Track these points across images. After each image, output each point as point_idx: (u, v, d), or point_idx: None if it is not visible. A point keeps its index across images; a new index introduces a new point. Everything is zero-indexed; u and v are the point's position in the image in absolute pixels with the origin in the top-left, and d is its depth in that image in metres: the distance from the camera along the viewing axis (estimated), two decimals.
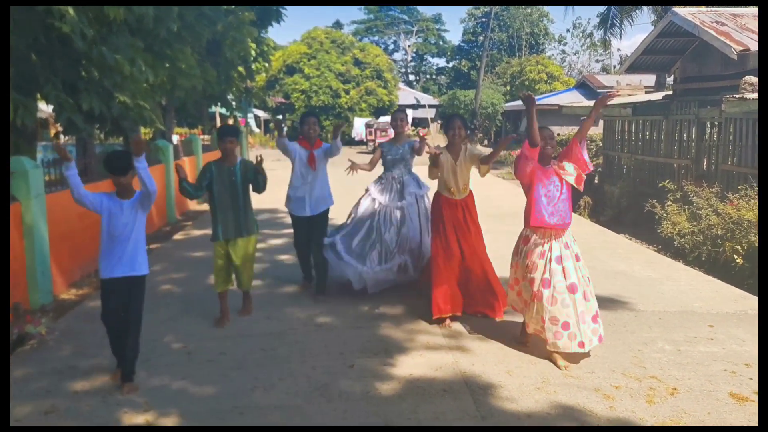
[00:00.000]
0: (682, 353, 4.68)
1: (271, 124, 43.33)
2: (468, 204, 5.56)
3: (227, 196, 5.34)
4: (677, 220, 8.66)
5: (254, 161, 5.41)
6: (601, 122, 16.04)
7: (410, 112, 35.86)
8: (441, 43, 63.57)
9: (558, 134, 18.30)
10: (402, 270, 6.13)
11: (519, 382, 4.20)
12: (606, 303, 5.88)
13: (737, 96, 8.62)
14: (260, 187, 5.45)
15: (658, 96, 13.97)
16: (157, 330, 5.24)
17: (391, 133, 6.63)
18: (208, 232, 9.61)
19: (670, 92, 13.46)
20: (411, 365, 4.46)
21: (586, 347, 4.40)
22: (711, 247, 8.00)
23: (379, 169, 6.51)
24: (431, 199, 5.85)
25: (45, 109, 10.98)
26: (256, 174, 5.38)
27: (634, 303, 5.91)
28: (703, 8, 11.54)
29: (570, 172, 4.58)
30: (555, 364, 4.46)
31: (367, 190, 6.46)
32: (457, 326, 5.28)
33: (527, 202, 4.70)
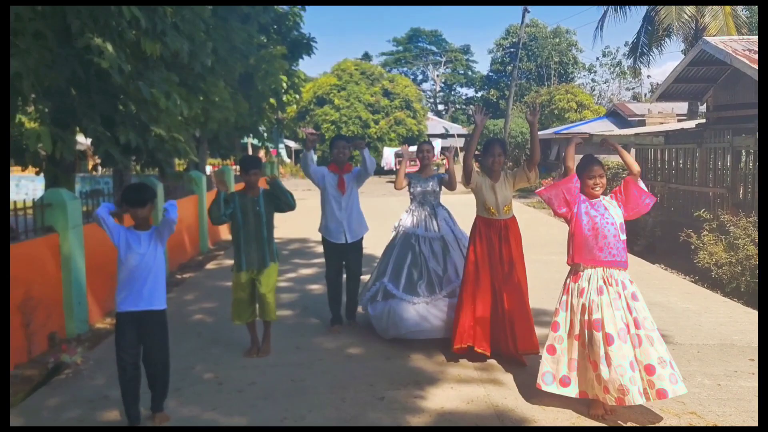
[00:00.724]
0: (722, 388, 4.54)
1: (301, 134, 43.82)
2: (510, 225, 5.17)
3: (251, 227, 5.30)
4: (714, 251, 8.46)
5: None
6: (633, 150, 15.87)
7: (439, 142, 35.98)
8: (469, 73, 63.95)
9: None
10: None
11: (553, 417, 4.10)
12: None
13: None
14: (288, 202, 5.33)
15: (691, 124, 13.82)
16: (188, 359, 5.27)
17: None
18: None
19: (703, 120, 13.29)
20: (442, 398, 4.40)
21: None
22: (750, 278, 7.78)
23: (405, 200, 6.41)
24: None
25: (83, 141, 11.31)
26: (276, 193, 5.31)
27: (672, 336, 5.76)
28: (736, 36, 11.41)
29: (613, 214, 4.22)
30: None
31: (397, 225, 6.21)
32: (492, 359, 5.19)
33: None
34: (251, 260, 5.31)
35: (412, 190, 6.21)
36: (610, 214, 4.20)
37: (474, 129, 5.22)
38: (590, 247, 4.18)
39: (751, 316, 6.47)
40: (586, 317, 4.09)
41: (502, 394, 4.45)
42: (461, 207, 7.96)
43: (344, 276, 6.44)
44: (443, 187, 6.21)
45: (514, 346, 5.01)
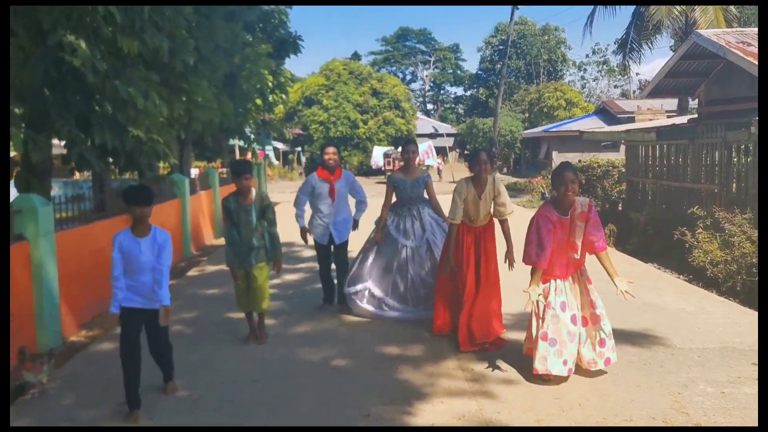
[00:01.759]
0: (726, 396, 4.31)
1: (291, 156, 43.50)
2: (486, 229, 5.56)
3: (244, 232, 5.55)
4: (709, 249, 8.26)
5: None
6: (623, 147, 15.72)
7: (429, 141, 35.76)
8: (458, 72, 63.81)
9: (579, 160, 17.99)
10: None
11: None
12: (639, 339, 5.54)
13: None
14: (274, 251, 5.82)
15: (682, 120, 13.65)
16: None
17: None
18: (223, 267, 9.43)
19: (695, 116, 13.13)
20: (432, 413, 4.15)
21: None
22: (746, 276, 7.59)
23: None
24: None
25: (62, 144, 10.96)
26: (270, 224, 5.69)
27: (669, 339, 5.55)
28: (728, 29, 11.25)
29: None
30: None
31: (382, 225, 6.40)
32: (481, 368, 4.95)
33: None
34: (242, 262, 5.61)
35: (399, 194, 6.37)
36: (574, 236, 4.61)
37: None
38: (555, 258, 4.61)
39: (750, 316, 6.26)
40: (552, 298, 4.60)
41: (495, 407, 4.20)
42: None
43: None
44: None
45: (483, 331, 5.36)
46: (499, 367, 4.94)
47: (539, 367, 4.50)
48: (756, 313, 6.37)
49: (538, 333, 4.57)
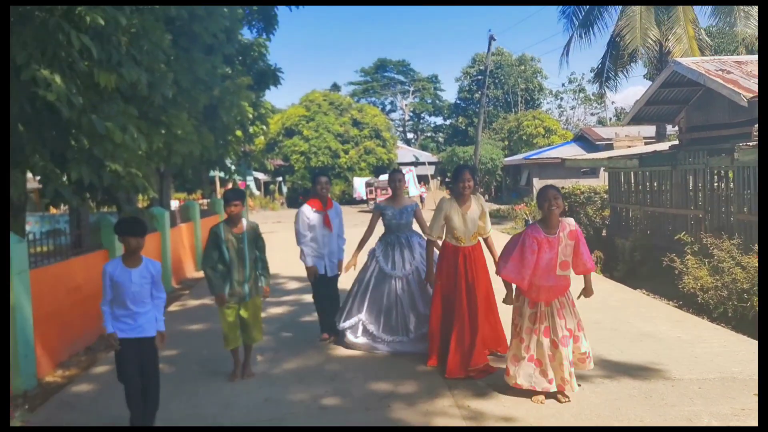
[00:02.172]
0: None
1: (272, 186, 43.29)
2: (474, 250, 5.54)
3: (236, 261, 5.43)
4: (699, 275, 8.20)
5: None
6: (602, 174, 15.78)
7: (413, 170, 35.84)
8: (437, 101, 64.39)
9: (562, 187, 18.06)
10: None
11: None
12: (638, 371, 5.40)
13: (751, 144, 8.31)
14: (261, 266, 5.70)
15: (664, 146, 13.75)
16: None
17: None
18: (206, 301, 9.16)
19: (676, 142, 13.23)
20: None
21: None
22: (737, 302, 7.53)
23: (379, 230, 6.46)
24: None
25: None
26: (260, 249, 5.62)
27: (668, 370, 5.41)
28: (706, 57, 11.37)
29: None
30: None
31: (373, 255, 6.33)
32: (479, 405, 4.75)
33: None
34: (233, 293, 5.45)
35: (386, 222, 6.33)
36: (554, 252, 4.65)
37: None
38: (540, 277, 4.70)
39: (747, 344, 6.15)
40: (536, 325, 4.71)
41: None
42: None
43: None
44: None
45: (476, 358, 5.34)
46: (496, 404, 4.75)
47: (524, 383, 4.72)
48: (752, 340, 6.27)
49: (522, 353, 4.76)
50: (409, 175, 32.25)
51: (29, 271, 6.10)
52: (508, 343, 5.11)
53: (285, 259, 10.96)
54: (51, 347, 6.48)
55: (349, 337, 6.27)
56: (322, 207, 6.46)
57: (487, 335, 5.56)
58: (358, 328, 6.21)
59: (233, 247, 5.40)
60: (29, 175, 7.56)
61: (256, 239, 5.55)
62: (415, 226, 6.44)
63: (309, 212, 6.45)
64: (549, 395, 4.79)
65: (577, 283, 4.91)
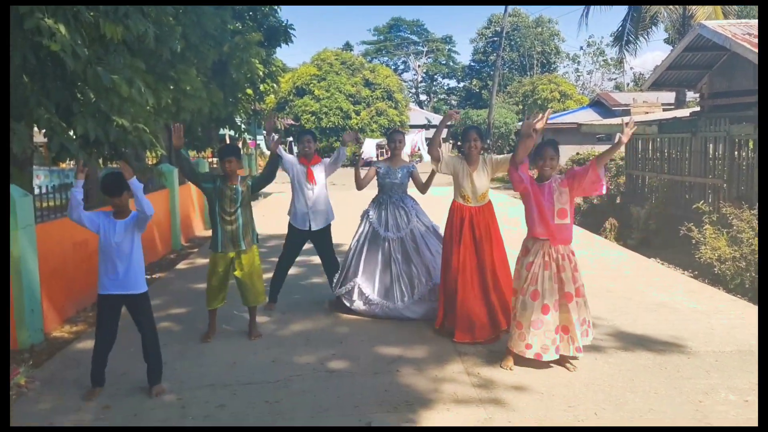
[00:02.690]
0: (750, 405, 4.04)
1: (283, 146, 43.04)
2: (484, 211, 5.40)
3: (228, 211, 5.42)
4: (717, 245, 8.01)
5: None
6: (617, 140, 15.48)
7: (423, 132, 35.45)
8: (451, 63, 63.40)
9: (577, 153, 17.74)
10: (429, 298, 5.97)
11: None
12: (652, 342, 5.27)
13: None
14: (267, 177, 5.74)
15: (684, 113, 13.41)
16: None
17: (403, 153, 6.41)
18: None
19: (696, 109, 12.89)
20: (438, 422, 3.84)
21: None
22: (755, 273, 7.35)
23: (372, 190, 6.44)
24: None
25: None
26: (254, 181, 5.63)
27: (684, 342, 5.27)
28: (732, 20, 10.98)
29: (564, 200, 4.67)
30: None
31: (365, 216, 6.28)
32: (489, 373, 4.66)
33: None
34: (226, 243, 5.44)
35: (380, 180, 6.27)
36: (553, 199, 4.61)
37: (442, 120, 5.65)
38: (536, 226, 4.66)
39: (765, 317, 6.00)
40: (528, 286, 4.60)
41: (506, 417, 3.91)
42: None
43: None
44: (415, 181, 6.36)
45: (499, 322, 5.29)
46: (508, 372, 4.65)
47: (512, 346, 4.74)
48: None
49: (514, 317, 4.74)
50: (420, 135, 31.92)
51: (35, 226, 6.03)
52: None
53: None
54: (58, 302, 6.44)
55: (345, 302, 6.18)
56: (307, 162, 6.53)
57: (495, 301, 5.33)
58: (354, 292, 6.10)
59: (228, 198, 5.41)
60: (37, 129, 7.43)
61: (249, 189, 5.55)
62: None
63: (296, 161, 6.55)
64: (556, 362, 4.70)
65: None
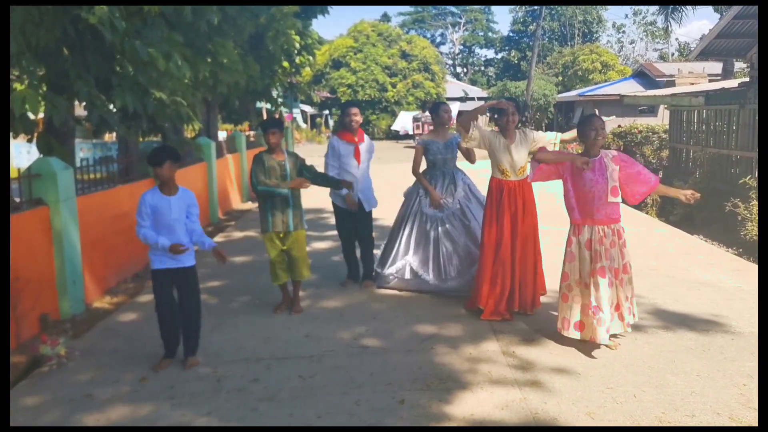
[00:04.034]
0: None
1: (319, 119, 43.08)
2: (523, 186, 5.27)
3: (279, 187, 5.34)
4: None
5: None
6: (667, 113, 15.00)
7: (458, 105, 34.98)
8: (489, 34, 62.21)
9: (619, 126, 17.27)
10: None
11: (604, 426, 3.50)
12: (695, 322, 5.12)
13: None
14: (329, 185, 5.82)
15: (732, 83, 12.89)
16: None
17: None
18: (250, 233, 9.16)
19: (745, 79, 12.38)
20: (471, 403, 3.81)
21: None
22: None
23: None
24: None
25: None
26: (304, 169, 5.52)
27: (728, 322, 5.11)
28: None
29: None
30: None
31: (413, 195, 6.13)
32: (526, 352, 4.58)
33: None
34: (277, 222, 5.39)
35: (431, 157, 6.06)
36: (602, 177, 4.49)
37: (490, 103, 5.51)
38: (584, 208, 4.56)
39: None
40: (591, 266, 4.50)
41: (541, 398, 3.84)
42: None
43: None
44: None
45: (530, 300, 5.30)
46: (544, 352, 4.58)
47: (559, 325, 4.68)
48: None
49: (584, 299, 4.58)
50: (457, 107, 31.45)
51: (76, 198, 6.13)
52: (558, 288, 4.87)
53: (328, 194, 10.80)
54: (98, 274, 6.57)
55: (394, 281, 6.10)
56: (353, 139, 6.13)
57: (529, 278, 5.27)
58: (405, 270, 6.00)
59: (276, 175, 5.32)
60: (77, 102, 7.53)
61: (298, 166, 5.48)
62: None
63: (338, 143, 6.15)
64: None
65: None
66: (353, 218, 6.23)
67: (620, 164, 4.57)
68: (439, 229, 5.91)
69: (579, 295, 4.59)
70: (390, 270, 6.10)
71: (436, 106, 6.14)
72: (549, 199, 8.33)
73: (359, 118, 6.13)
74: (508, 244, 5.19)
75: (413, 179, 6.14)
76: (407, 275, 6.01)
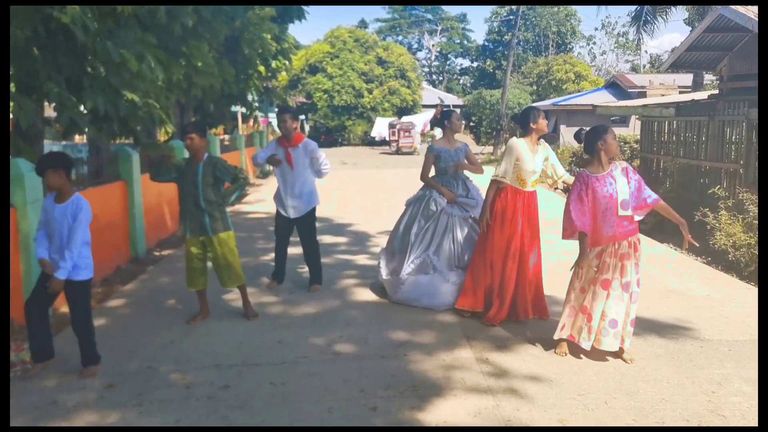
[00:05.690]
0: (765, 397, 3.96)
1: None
2: (531, 197, 5.31)
3: (190, 195, 5.26)
4: (732, 231, 7.87)
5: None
6: (638, 123, 15.22)
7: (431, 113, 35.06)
8: (465, 42, 62.66)
9: None
10: None
11: None
12: (665, 329, 5.18)
13: None
14: (234, 180, 5.36)
15: (702, 95, 13.14)
16: (155, 356, 4.66)
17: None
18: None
19: (715, 91, 12.63)
20: (445, 409, 3.80)
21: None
22: None
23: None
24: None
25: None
26: (226, 175, 5.30)
27: (697, 329, 5.18)
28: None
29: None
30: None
31: (423, 198, 6.01)
32: (499, 359, 4.58)
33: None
34: (192, 228, 5.31)
35: (443, 165, 5.95)
36: (614, 190, 4.39)
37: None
38: (597, 224, 4.45)
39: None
40: (597, 276, 4.45)
41: (514, 404, 3.85)
42: None
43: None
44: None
45: (525, 311, 5.29)
46: (517, 359, 4.59)
47: (575, 334, 4.57)
48: None
49: (577, 303, 4.57)
50: (429, 116, 31.53)
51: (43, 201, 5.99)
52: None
53: None
54: None
55: (418, 276, 5.78)
56: (287, 144, 6.16)
57: (530, 282, 5.32)
58: (429, 265, 5.73)
59: (189, 180, 5.23)
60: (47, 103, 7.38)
61: (213, 170, 5.22)
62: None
63: (275, 146, 6.27)
64: (614, 354, 4.57)
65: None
66: (290, 225, 6.37)
67: (627, 178, 4.46)
68: (452, 224, 5.82)
69: (574, 300, 4.58)
70: (410, 267, 5.79)
71: (447, 114, 5.97)
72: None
73: (289, 124, 6.09)
74: (512, 251, 5.22)
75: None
76: (430, 269, 5.74)
